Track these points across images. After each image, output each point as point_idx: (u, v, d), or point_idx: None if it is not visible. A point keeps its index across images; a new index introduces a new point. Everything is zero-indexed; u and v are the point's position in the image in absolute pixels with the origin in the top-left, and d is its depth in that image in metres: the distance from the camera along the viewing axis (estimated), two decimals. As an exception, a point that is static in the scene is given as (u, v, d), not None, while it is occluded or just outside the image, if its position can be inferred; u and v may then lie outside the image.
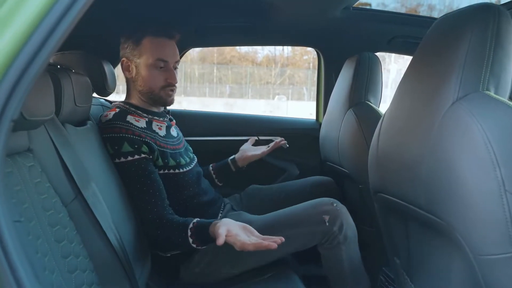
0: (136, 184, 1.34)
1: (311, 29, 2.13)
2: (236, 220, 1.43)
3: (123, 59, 1.50)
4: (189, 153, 1.63)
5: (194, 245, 1.29)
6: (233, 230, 1.20)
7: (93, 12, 0.65)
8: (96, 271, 1.02)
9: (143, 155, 1.37)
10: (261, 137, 2.27)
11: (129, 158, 1.35)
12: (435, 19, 1.94)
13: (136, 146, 1.36)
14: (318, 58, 2.34)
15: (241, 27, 2.06)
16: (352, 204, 1.53)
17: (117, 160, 1.36)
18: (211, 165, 1.84)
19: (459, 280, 0.91)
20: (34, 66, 0.57)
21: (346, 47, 2.14)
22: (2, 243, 0.54)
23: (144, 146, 1.38)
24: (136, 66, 1.48)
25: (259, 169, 1.89)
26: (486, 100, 0.80)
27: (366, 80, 1.76)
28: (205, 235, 1.26)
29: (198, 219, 1.32)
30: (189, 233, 1.28)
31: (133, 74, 1.50)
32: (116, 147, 1.36)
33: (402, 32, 2.04)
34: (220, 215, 1.55)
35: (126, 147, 1.35)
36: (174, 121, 1.69)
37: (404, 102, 1.04)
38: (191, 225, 1.29)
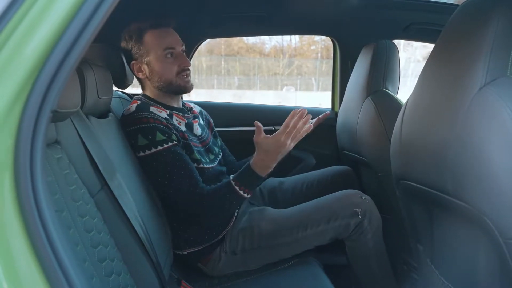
0: (174, 170, 1.34)
1: (326, 17, 2.12)
2: (263, 217, 1.50)
3: (133, 62, 1.49)
4: (211, 154, 1.61)
5: (245, 194, 1.36)
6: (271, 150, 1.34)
7: None
8: (124, 261, 1.03)
9: (175, 142, 1.37)
10: (276, 127, 2.26)
11: (165, 145, 1.34)
12: (452, 5, 1.92)
13: (167, 135, 1.36)
14: (333, 46, 2.33)
15: (256, 17, 2.06)
16: (370, 192, 1.53)
17: (153, 149, 1.34)
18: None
19: (486, 265, 0.91)
20: (70, 58, 0.57)
21: (361, 35, 2.12)
22: (46, 232, 0.55)
23: (173, 135, 1.38)
24: (147, 64, 1.48)
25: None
26: None
27: (384, 67, 1.75)
28: (252, 177, 1.35)
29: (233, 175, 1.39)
30: (236, 187, 1.34)
31: (147, 73, 1.49)
32: (150, 137, 1.34)
33: (418, 18, 2.02)
34: (237, 211, 1.55)
35: (160, 136, 1.35)
36: (198, 119, 1.67)
37: (428, 88, 1.04)
38: (232, 180, 1.36)
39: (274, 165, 1.38)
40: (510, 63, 0.83)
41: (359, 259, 1.50)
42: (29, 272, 0.54)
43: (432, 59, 1.05)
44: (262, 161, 1.35)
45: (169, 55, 1.47)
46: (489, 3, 0.87)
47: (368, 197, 1.48)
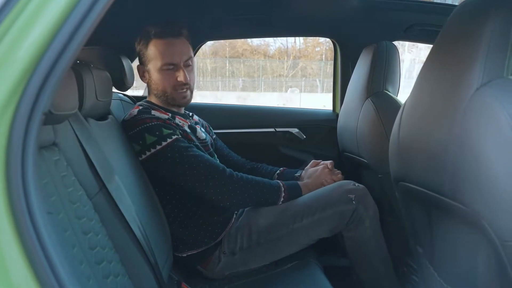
0: (190, 154, 1.37)
1: (327, 18, 2.12)
2: (259, 213, 1.49)
3: (138, 65, 1.54)
4: (214, 159, 1.61)
5: (281, 199, 1.49)
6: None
7: (110, 6, 0.66)
8: (122, 263, 1.03)
9: (180, 136, 1.40)
10: (278, 129, 2.27)
11: (173, 137, 1.37)
12: (453, 6, 1.91)
13: (171, 130, 1.39)
14: (334, 48, 2.33)
15: (257, 19, 2.06)
16: (371, 194, 1.52)
17: (163, 143, 1.36)
18: (278, 170, 1.82)
19: (485, 267, 0.90)
20: (63, 60, 0.57)
21: (362, 36, 2.12)
22: (38, 234, 0.55)
23: (178, 130, 1.41)
24: (148, 72, 1.50)
25: (276, 161, 1.89)
26: (511, 85, 0.79)
27: (384, 69, 1.74)
28: (297, 194, 1.52)
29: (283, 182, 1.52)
30: (282, 194, 1.48)
31: (148, 79, 1.52)
32: (157, 133, 1.37)
33: (419, 20, 2.01)
34: (236, 212, 1.57)
35: (165, 131, 1.38)
36: (199, 125, 1.68)
37: (425, 90, 1.03)
38: (283, 189, 1.49)
39: (312, 188, 1.56)
40: (506, 64, 0.82)
41: (359, 251, 1.49)
42: (20, 274, 0.54)
43: (430, 60, 1.04)
44: (307, 182, 1.58)
45: (168, 69, 1.47)
46: (486, 4, 0.87)
47: (361, 186, 1.50)
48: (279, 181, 1.51)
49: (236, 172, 1.43)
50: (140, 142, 1.37)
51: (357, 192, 1.45)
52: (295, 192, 1.51)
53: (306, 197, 1.51)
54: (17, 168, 0.55)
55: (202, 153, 1.41)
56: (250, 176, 1.45)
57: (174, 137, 1.38)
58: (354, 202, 1.43)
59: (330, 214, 1.44)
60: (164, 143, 1.36)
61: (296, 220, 1.44)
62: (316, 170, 1.64)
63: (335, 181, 1.58)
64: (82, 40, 0.58)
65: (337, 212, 1.44)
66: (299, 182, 1.57)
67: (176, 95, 1.50)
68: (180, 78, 1.47)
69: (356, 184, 1.49)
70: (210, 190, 1.37)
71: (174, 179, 1.39)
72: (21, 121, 0.55)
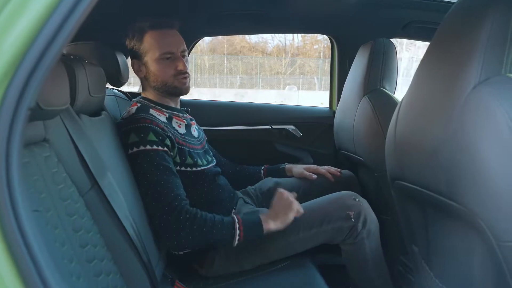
0: (157, 173, 1.31)
1: (325, 15, 2.11)
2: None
3: (133, 61, 1.51)
4: (208, 156, 1.60)
5: (237, 238, 1.32)
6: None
7: (104, 2, 0.65)
8: (114, 261, 1.02)
9: (165, 148, 1.36)
10: (274, 126, 2.26)
11: (154, 147, 1.34)
12: (451, 3, 1.90)
13: (160, 138, 1.36)
14: (331, 45, 2.32)
15: (254, 15, 2.05)
16: (367, 193, 1.51)
17: (141, 147, 1.33)
18: (262, 167, 1.85)
19: (481, 267, 0.90)
20: (49, 54, 0.56)
21: (360, 34, 2.11)
22: (22, 232, 0.54)
23: (167, 139, 1.38)
24: (145, 64, 1.49)
25: (272, 158, 1.88)
26: (509, 83, 0.78)
27: (381, 66, 1.73)
28: (257, 231, 1.34)
29: (238, 216, 1.36)
30: (237, 231, 1.32)
31: (145, 73, 1.50)
32: (142, 135, 1.34)
33: (418, 17, 2.01)
34: (233, 210, 1.55)
35: (152, 136, 1.34)
36: (194, 121, 1.67)
37: (422, 87, 1.02)
38: (236, 224, 1.33)
39: (276, 225, 1.37)
40: (505, 61, 0.81)
41: (355, 265, 1.47)
42: (3, 272, 0.53)
43: (427, 57, 1.03)
44: (270, 216, 1.38)
45: (166, 58, 1.46)
46: (483, 1, 0.86)
47: (363, 200, 1.46)
48: (234, 216, 1.36)
49: (191, 210, 1.31)
50: (125, 140, 1.36)
51: (357, 209, 1.41)
52: (254, 229, 1.35)
53: (303, 207, 1.46)
54: (1, 164, 0.53)
55: (173, 178, 1.34)
56: (203, 215, 1.32)
57: (155, 147, 1.34)
58: (353, 219, 1.39)
59: (327, 229, 1.41)
60: (142, 147, 1.33)
61: (292, 233, 1.41)
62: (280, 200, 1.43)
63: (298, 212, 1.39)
64: (69, 33, 0.57)
65: (335, 228, 1.41)
66: (261, 215, 1.38)
67: (177, 83, 1.49)
68: (180, 67, 1.47)
69: (357, 199, 1.44)
70: (156, 221, 1.30)
71: (138, 188, 1.34)
72: (6, 116, 0.54)
